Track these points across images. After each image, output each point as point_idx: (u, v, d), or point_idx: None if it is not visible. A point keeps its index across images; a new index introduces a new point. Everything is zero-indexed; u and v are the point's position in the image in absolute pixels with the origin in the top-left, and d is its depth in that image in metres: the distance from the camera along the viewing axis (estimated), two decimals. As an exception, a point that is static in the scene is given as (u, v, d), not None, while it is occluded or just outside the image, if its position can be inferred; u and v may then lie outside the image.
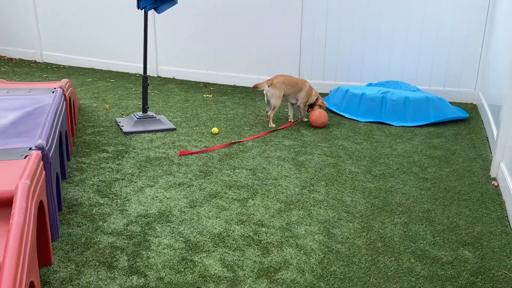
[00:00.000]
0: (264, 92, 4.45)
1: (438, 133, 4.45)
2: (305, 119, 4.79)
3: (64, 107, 3.44)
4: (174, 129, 4.34)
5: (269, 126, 4.52)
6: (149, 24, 6.48)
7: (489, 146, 4.06)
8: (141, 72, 6.87)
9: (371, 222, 2.74)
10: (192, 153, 3.72)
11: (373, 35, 5.67)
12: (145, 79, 4.32)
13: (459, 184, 3.29)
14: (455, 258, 2.39)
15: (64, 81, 4.03)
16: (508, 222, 2.78)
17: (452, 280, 2.21)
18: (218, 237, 2.53)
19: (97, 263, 2.25)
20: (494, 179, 3.38)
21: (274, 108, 4.46)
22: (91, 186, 3.09)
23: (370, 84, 5.59)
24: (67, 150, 3.38)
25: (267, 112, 4.55)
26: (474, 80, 5.46)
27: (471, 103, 5.50)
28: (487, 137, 4.28)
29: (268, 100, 4.47)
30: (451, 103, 5.30)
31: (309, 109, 4.71)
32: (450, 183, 3.30)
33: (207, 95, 5.73)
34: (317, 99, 4.66)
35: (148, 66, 6.68)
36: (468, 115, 4.91)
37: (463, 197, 3.09)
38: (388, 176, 3.41)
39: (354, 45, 5.77)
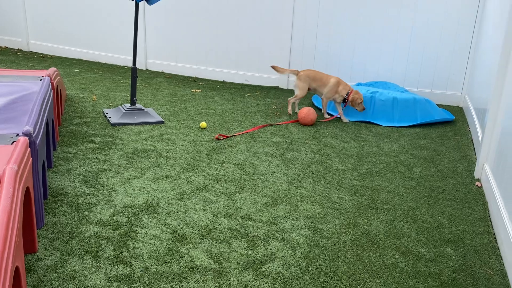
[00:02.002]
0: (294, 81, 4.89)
1: (425, 134, 4.51)
2: (327, 116, 4.84)
3: (51, 95, 3.39)
4: (162, 122, 4.31)
5: (287, 110, 4.93)
6: (139, 17, 6.42)
7: (474, 148, 4.13)
8: (130, 64, 6.80)
9: (357, 219, 2.77)
10: (228, 137, 4.00)
11: (363, 35, 5.71)
12: (134, 71, 4.28)
13: (443, 184, 3.34)
14: (438, 255, 2.43)
15: (52, 69, 3.97)
16: (490, 222, 2.83)
17: (435, 276, 2.25)
18: (205, 229, 2.53)
19: (83, 252, 2.24)
20: (478, 180, 3.44)
21: (296, 96, 4.87)
22: (77, 176, 3.06)
23: (359, 84, 5.63)
24: (53, 139, 3.34)
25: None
26: (461, 84, 5.55)
27: (458, 106, 5.59)
28: (472, 139, 4.36)
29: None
30: (438, 105, 5.38)
31: (345, 105, 4.77)
32: (435, 183, 3.35)
33: (196, 90, 5.71)
34: (348, 94, 4.68)
35: (137, 58, 6.62)
36: (454, 118, 4.99)
37: (447, 196, 3.14)
38: (374, 174, 3.45)
39: (345, 44, 5.81)
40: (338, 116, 4.83)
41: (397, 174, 3.48)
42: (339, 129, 4.53)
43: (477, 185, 3.35)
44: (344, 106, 4.78)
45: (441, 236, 2.62)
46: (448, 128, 4.73)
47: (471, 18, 5.30)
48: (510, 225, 2.45)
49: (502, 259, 2.43)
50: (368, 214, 2.83)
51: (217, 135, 3.99)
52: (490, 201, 2.99)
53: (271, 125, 4.46)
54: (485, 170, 3.30)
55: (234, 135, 4.08)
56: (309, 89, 4.83)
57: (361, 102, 4.64)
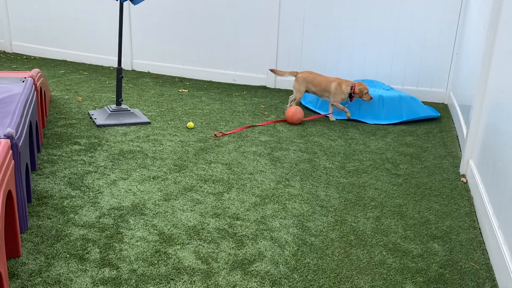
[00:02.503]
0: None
1: (411, 131, 4.55)
2: (332, 119, 4.78)
3: (34, 97, 3.34)
4: (149, 123, 4.28)
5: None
6: (124, 16, 6.36)
7: (459, 144, 4.18)
8: (115, 65, 6.73)
9: (345, 216, 2.77)
10: (228, 134, 4.05)
11: (348, 35, 5.74)
12: (119, 71, 4.24)
13: (430, 180, 3.37)
14: (425, 251, 2.45)
15: (35, 71, 3.91)
16: (476, 217, 2.87)
17: (422, 272, 2.26)
18: (192, 229, 2.51)
19: (68, 255, 2.20)
20: (463, 176, 3.48)
21: (295, 99, 4.88)
22: (62, 178, 3.02)
23: (345, 83, 5.65)
24: (37, 142, 3.28)
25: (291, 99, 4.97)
26: (445, 81, 5.60)
27: (443, 103, 5.64)
28: (457, 136, 4.40)
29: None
30: (423, 102, 5.42)
31: (351, 99, 4.73)
32: (421, 179, 3.37)
33: (183, 90, 5.68)
34: (352, 88, 4.62)
35: (122, 59, 6.56)
36: (439, 114, 5.04)
37: (433, 192, 3.17)
38: (361, 172, 3.46)
39: (331, 43, 5.83)
40: (327, 115, 4.84)
41: (384, 171, 3.50)
42: (326, 127, 4.54)
43: (462, 180, 3.39)
44: (351, 101, 4.73)
45: (428, 232, 2.65)
46: (433, 125, 4.78)
47: (454, 17, 5.36)
48: (494, 220, 2.48)
49: (487, 253, 2.46)
50: (356, 211, 2.85)
51: (215, 132, 4.06)
52: (475, 197, 3.02)
53: (266, 123, 4.45)
54: (470, 166, 3.34)
55: (234, 131, 4.15)
56: (306, 90, 4.82)
57: (367, 92, 4.62)
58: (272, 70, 5.01)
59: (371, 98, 4.68)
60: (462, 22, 5.30)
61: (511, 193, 2.25)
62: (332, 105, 4.78)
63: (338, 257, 2.35)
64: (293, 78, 4.93)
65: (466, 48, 4.81)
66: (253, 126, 4.39)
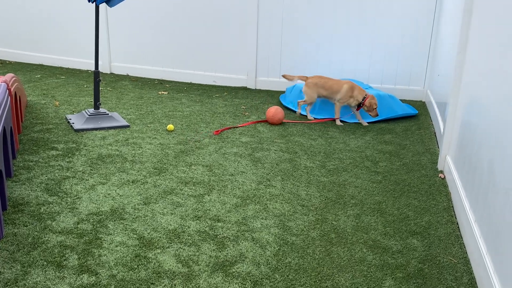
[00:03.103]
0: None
1: (389, 129, 4.61)
2: (339, 123, 4.70)
3: (8, 102, 3.27)
4: (128, 126, 4.23)
5: (308, 118, 4.82)
6: (101, 19, 6.28)
7: (437, 141, 4.25)
8: (93, 68, 6.65)
9: (325, 215, 2.79)
10: (226, 129, 4.19)
11: (327, 34, 5.78)
12: (96, 74, 4.19)
13: (408, 177, 3.42)
14: (405, 247, 2.48)
15: (9, 75, 3.83)
16: (454, 212, 2.92)
17: (402, 268, 2.29)
18: (173, 233, 2.49)
19: (45, 263, 2.16)
20: (441, 171, 3.54)
21: (305, 101, 4.82)
22: (39, 185, 2.96)
23: (325, 82, 5.69)
24: (12, 148, 3.21)
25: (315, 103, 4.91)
26: (422, 79, 5.69)
27: (420, 101, 5.73)
28: (435, 133, 4.48)
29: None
30: (401, 100, 5.49)
31: (357, 109, 4.70)
32: (400, 176, 3.42)
33: (163, 92, 5.63)
34: (364, 99, 4.59)
35: (100, 62, 6.48)
36: (417, 112, 5.12)
37: (412, 189, 3.21)
38: (341, 170, 3.49)
39: (310, 43, 5.86)
40: (334, 119, 4.77)
41: (363, 169, 3.53)
42: (306, 127, 4.57)
43: (440, 176, 3.44)
44: (357, 110, 4.70)
45: (407, 228, 2.68)
46: (411, 122, 4.84)
47: (429, 17, 5.44)
48: (471, 214, 2.53)
49: (465, 247, 2.51)
50: (336, 209, 2.86)
51: (215, 131, 4.17)
52: (453, 192, 3.07)
53: (248, 124, 4.45)
54: (448, 162, 3.39)
55: (235, 127, 4.34)
56: (318, 96, 4.74)
57: (375, 108, 4.58)
58: (284, 76, 4.95)
59: (377, 115, 4.64)
60: (437, 22, 5.40)
61: (486, 187, 2.30)
62: (335, 104, 4.72)
63: (319, 255, 2.36)
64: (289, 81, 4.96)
65: (441, 47, 4.90)
66: (259, 121, 4.39)
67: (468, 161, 2.80)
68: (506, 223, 1.90)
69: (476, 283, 2.19)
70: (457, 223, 2.77)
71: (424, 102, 5.68)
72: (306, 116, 4.85)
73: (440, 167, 3.59)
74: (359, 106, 4.67)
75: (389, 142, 4.20)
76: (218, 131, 4.20)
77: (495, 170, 2.18)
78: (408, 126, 4.70)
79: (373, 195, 3.08)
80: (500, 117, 2.20)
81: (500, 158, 2.12)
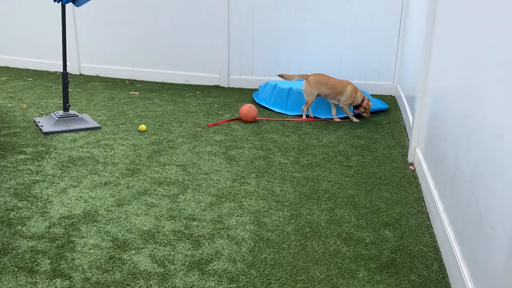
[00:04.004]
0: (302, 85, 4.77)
1: (361, 123, 4.69)
2: (356, 120, 4.73)
3: (-28, 106, 3.17)
4: (99, 128, 4.16)
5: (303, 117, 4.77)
6: (68, 19, 6.15)
7: (407, 134, 4.35)
8: (61, 70, 6.50)
9: (300, 210, 2.82)
10: (219, 123, 4.28)
11: (298, 32, 5.83)
12: (65, 76, 4.10)
13: (380, 170, 3.49)
14: (377, 238, 2.54)
15: (-27, 78, 3.70)
16: (424, 202, 3.00)
17: (375, 258, 2.35)
18: (147, 234, 2.48)
19: (16, 269, 2.11)
20: (411, 164, 3.63)
21: (307, 103, 4.71)
22: (8, 190, 2.88)
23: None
24: (-22, 153, 3.11)
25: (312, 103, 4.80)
26: (392, 74, 5.81)
27: (390, 95, 5.85)
28: (405, 126, 4.58)
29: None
30: (372, 95, 5.60)
31: (355, 110, 4.72)
32: (372, 170, 3.49)
33: (134, 92, 5.56)
34: (362, 101, 4.63)
35: (69, 63, 6.35)
36: (387, 106, 5.23)
37: (384, 181, 3.28)
38: (315, 165, 3.54)
39: (281, 41, 5.90)
40: (331, 119, 4.78)
41: (336, 163, 3.59)
42: (280, 124, 4.60)
43: (410, 168, 3.53)
44: (355, 112, 4.75)
45: (379, 219, 2.74)
46: (382, 116, 4.94)
47: (397, 12, 5.57)
48: (440, 204, 2.61)
49: (434, 236, 2.58)
50: (310, 204, 2.90)
51: (209, 124, 4.31)
52: (423, 183, 3.16)
53: (222, 122, 4.44)
54: (417, 154, 3.49)
55: (227, 121, 4.48)
56: (318, 94, 4.68)
57: (369, 108, 4.68)
58: (280, 75, 4.85)
59: (370, 117, 4.75)
60: (405, 18, 5.52)
61: (453, 177, 2.37)
62: (341, 107, 4.70)
63: (294, 250, 2.39)
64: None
65: (409, 42, 5.02)
66: (232, 120, 4.41)
67: (436, 153, 2.89)
68: (471, 211, 1.97)
69: (445, 270, 2.27)
70: (427, 213, 2.86)
71: (394, 97, 5.80)
72: (309, 115, 4.80)
73: (410, 159, 3.68)
74: (356, 107, 4.70)
75: (361, 136, 4.28)
76: (212, 124, 4.36)
77: (460, 160, 2.25)
78: (379, 121, 4.79)
79: (346, 189, 3.14)
80: (464, 109, 2.28)
81: (465, 148, 2.19)
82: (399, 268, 2.27)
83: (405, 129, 4.50)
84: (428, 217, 2.80)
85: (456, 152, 2.35)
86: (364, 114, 4.72)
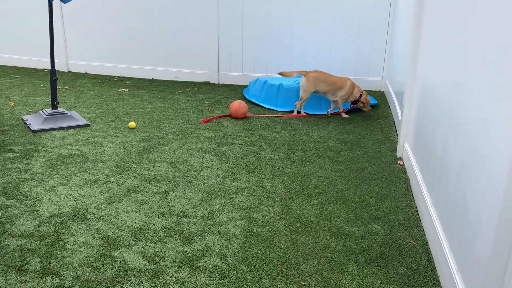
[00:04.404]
0: (299, 80, 4.75)
1: (350, 119, 4.72)
2: (346, 116, 4.76)
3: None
4: (88, 125, 4.14)
5: (294, 113, 4.77)
6: (56, 16, 6.09)
7: (395, 129, 4.39)
8: (49, 67, 6.44)
9: (290, 205, 2.84)
10: (214, 119, 4.36)
11: (288, 28, 5.84)
12: (53, 73, 4.06)
13: (369, 165, 3.52)
14: (367, 232, 2.57)
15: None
16: (412, 196, 3.04)
17: (364, 252, 2.37)
18: (138, 231, 2.47)
19: (5, 268, 2.10)
20: (400, 158, 3.67)
21: (301, 99, 4.70)
22: (-4, 189, 2.86)
23: (287, 75, 5.75)
24: (-35, 151, 3.08)
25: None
26: (381, 70, 5.85)
27: (379, 91, 5.89)
28: (394, 121, 4.62)
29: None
30: (361, 91, 5.63)
31: (351, 106, 4.77)
32: (361, 164, 3.52)
33: (123, 90, 5.53)
34: (360, 95, 4.66)
35: (57, 60, 6.28)
36: (376, 102, 5.26)
37: (373, 176, 3.31)
38: (305, 161, 3.55)
39: (271, 36, 5.90)
40: (326, 113, 4.80)
41: (326, 159, 3.61)
42: (270, 120, 4.61)
43: (399, 163, 3.57)
44: (351, 107, 4.79)
45: (369, 214, 2.77)
46: (371, 112, 4.98)
47: (385, 8, 5.60)
48: (428, 197, 2.64)
49: (423, 229, 2.62)
50: (301, 199, 2.92)
51: (202, 120, 4.36)
52: (411, 177, 3.20)
53: (213, 118, 4.43)
54: (406, 149, 3.52)
55: (222, 116, 4.52)
56: (315, 91, 4.69)
57: (368, 103, 4.71)
58: (280, 73, 4.84)
59: (371, 110, 4.76)
60: (393, 14, 5.56)
61: (441, 171, 2.41)
62: (335, 101, 4.73)
63: (285, 245, 2.41)
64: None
65: (397, 38, 5.05)
66: (223, 116, 4.37)
67: (424, 147, 2.92)
68: (459, 204, 2.00)
69: (434, 262, 2.30)
70: (415, 207, 2.89)
71: (383, 92, 5.84)
72: (301, 112, 4.78)
73: (399, 154, 3.72)
74: (354, 102, 4.74)
75: (350, 132, 4.31)
76: (205, 120, 4.40)
77: (448, 154, 2.28)
78: (368, 116, 4.82)
79: (335, 184, 3.16)
80: (451, 104, 2.31)
81: (452, 143, 2.22)
82: (388, 262, 2.29)
83: (394, 124, 4.54)
84: (417, 211, 2.84)
85: (444, 147, 2.38)
86: (364, 109, 4.75)
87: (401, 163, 3.56)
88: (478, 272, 1.64)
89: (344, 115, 4.79)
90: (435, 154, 2.58)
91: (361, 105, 4.73)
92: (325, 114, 4.81)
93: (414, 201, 2.96)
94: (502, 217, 1.46)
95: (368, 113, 4.80)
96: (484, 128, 1.74)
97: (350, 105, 4.84)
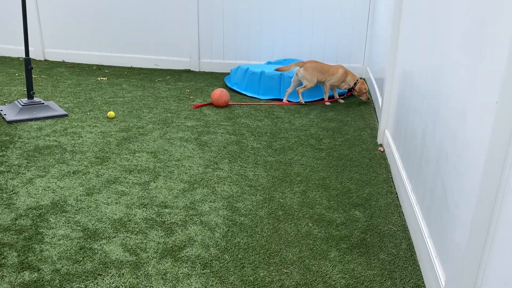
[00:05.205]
0: (295, 72, 4.70)
1: (332, 106, 4.73)
2: (328, 103, 4.78)
3: None
4: (66, 115, 4.05)
5: (299, 101, 4.76)
6: (30, 2, 5.90)
7: (376, 116, 4.42)
8: (24, 55, 6.26)
9: (273, 193, 2.84)
10: (205, 105, 4.37)
11: (269, 14, 5.79)
12: (27, 62, 3.95)
13: (350, 152, 3.55)
14: (348, 218, 2.59)
15: None
16: (393, 182, 3.07)
17: (345, 238, 2.39)
18: (118, 222, 2.44)
19: (-19, 263, 2.05)
20: (381, 145, 3.70)
21: (305, 86, 4.68)
22: (-30, 182, 2.78)
23: (269, 63, 5.72)
24: None
25: (295, 89, 4.79)
26: (362, 57, 5.87)
27: (361, 77, 5.91)
28: (374, 108, 4.65)
29: (299, 80, 4.72)
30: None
31: (347, 93, 4.83)
32: (342, 152, 3.54)
33: (102, 78, 5.42)
34: (355, 84, 4.70)
35: (32, 49, 6.12)
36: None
37: (354, 163, 3.34)
38: (287, 149, 3.55)
39: (252, 24, 5.84)
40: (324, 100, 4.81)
41: (308, 146, 3.62)
42: (252, 108, 4.59)
43: (380, 150, 3.60)
44: (347, 95, 4.85)
45: (350, 200, 2.79)
46: (353, 99, 5.00)
47: (366, -6, 5.60)
48: (408, 183, 2.67)
49: (403, 215, 2.65)
50: (283, 187, 2.92)
51: (193, 105, 4.37)
52: (392, 164, 3.23)
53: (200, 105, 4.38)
54: (386, 136, 3.55)
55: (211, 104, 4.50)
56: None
57: (366, 92, 4.72)
58: (277, 69, 4.78)
59: (368, 99, 4.79)
60: (374, 1, 5.55)
61: (420, 157, 2.43)
62: (325, 85, 4.75)
63: (267, 233, 2.41)
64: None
65: (378, 25, 5.06)
66: (205, 105, 4.32)
67: (404, 134, 2.95)
68: (438, 190, 2.03)
69: (413, 247, 2.34)
70: (396, 193, 2.93)
71: (364, 79, 5.86)
72: (300, 101, 4.75)
73: (379, 140, 3.75)
74: (350, 90, 4.79)
75: (332, 119, 4.32)
76: (197, 105, 4.43)
77: (427, 141, 2.31)
78: (349, 103, 4.84)
79: (317, 172, 3.17)
80: (430, 90, 2.33)
81: (431, 129, 2.25)
82: (369, 248, 2.32)
83: (375, 111, 4.57)
84: (397, 197, 2.87)
85: (423, 133, 2.41)
86: (360, 97, 4.79)
87: (382, 150, 3.59)
88: (456, 256, 1.67)
89: (327, 102, 4.80)
90: (414, 141, 2.61)
91: (355, 93, 4.78)
92: (322, 100, 4.85)
93: (395, 187, 3.00)
94: (479, 203, 1.49)
95: (366, 101, 4.84)
96: (462, 115, 1.76)
97: (346, 93, 4.91)
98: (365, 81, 5.27)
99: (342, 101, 4.88)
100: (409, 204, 2.52)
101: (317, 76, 4.72)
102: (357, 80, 4.77)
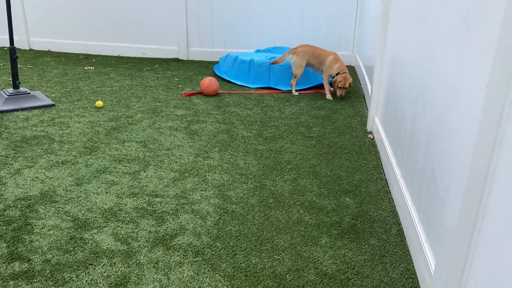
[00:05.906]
0: (290, 61, 4.63)
1: (322, 94, 4.73)
2: (329, 97, 4.56)
3: None
4: (53, 105, 3.99)
5: (293, 93, 4.68)
6: (13, -10, 5.77)
7: (365, 103, 4.44)
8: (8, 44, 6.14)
9: (263, 181, 2.85)
10: (196, 94, 4.37)
11: (258, 2, 5.74)
12: (12, 51, 3.87)
13: (340, 139, 3.56)
14: (338, 205, 2.61)
15: None
16: (382, 169, 3.09)
17: (336, 225, 2.41)
18: (109, 212, 2.43)
19: (-30, 255, 2.02)
20: (370, 132, 3.72)
21: (295, 76, 4.61)
22: (-44, 173, 2.73)
23: (258, 51, 5.69)
24: None
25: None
26: (351, 44, 5.86)
27: (350, 65, 5.92)
28: (364, 95, 4.67)
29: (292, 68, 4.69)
30: (332, 66, 5.63)
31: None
32: (332, 139, 3.55)
33: (89, 67, 5.34)
34: (337, 74, 4.44)
35: (17, 38, 6.00)
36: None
37: (344, 150, 3.35)
38: (278, 137, 3.55)
39: (241, 12, 5.79)
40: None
41: (298, 134, 3.62)
42: (242, 97, 4.57)
43: (369, 137, 3.62)
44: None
45: (340, 187, 2.81)
46: (342, 97, 5.00)
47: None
48: (397, 170, 2.69)
49: (393, 201, 2.68)
50: (274, 175, 2.93)
51: (184, 93, 4.38)
52: (381, 150, 3.25)
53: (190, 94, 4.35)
54: (376, 123, 3.57)
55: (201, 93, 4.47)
56: (307, 65, 4.60)
57: (341, 87, 4.44)
58: (273, 63, 4.67)
59: (342, 96, 4.50)
60: (363, -14, 5.54)
61: (410, 143, 2.45)
62: (324, 78, 4.63)
63: (259, 220, 2.42)
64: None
65: (367, 12, 5.05)
66: (194, 93, 4.28)
67: (393, 121, 2.96)
68: (427, 175, 2.05)
69: (403, 232, 2.37)
70: (386, 179, 2.95)
71: (353, 67, 5.87)
72: (292, 91, 4.69)
73: (369, 128, 3.77)
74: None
75: (322, 107, 4.33)
76: (187, 93, 4.42)
77: (417, 126, 2.32)
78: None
79: (308, 159, 3.18)
80: (420, 75, 2.34)
81: (421, 114, 2.26)
82: (360, 233, 2.34)
83: (364, 98, 4.59)
84: (387, 183, 2.89)
85: (413, 119, 2.42)
86: (339, 91, 4.48)
87: (371, 137, 3.61)
88: (445, 241, 1.69)
89: (328, 95, 4.59)
90: (404, 127, 2.62)
91: (334, 83, 4.54)
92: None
93: (384, 174, 3.02)
94: (468, 187, 1.50)
95: (339, 96, 4.56)
96: (452, 99, 1.77)
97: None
98: (352, 80, 4.87)
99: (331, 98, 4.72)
100: (399, 190, 2.55)
101: (308, 59, 4.60)
102: (339, 72, 4.52)
